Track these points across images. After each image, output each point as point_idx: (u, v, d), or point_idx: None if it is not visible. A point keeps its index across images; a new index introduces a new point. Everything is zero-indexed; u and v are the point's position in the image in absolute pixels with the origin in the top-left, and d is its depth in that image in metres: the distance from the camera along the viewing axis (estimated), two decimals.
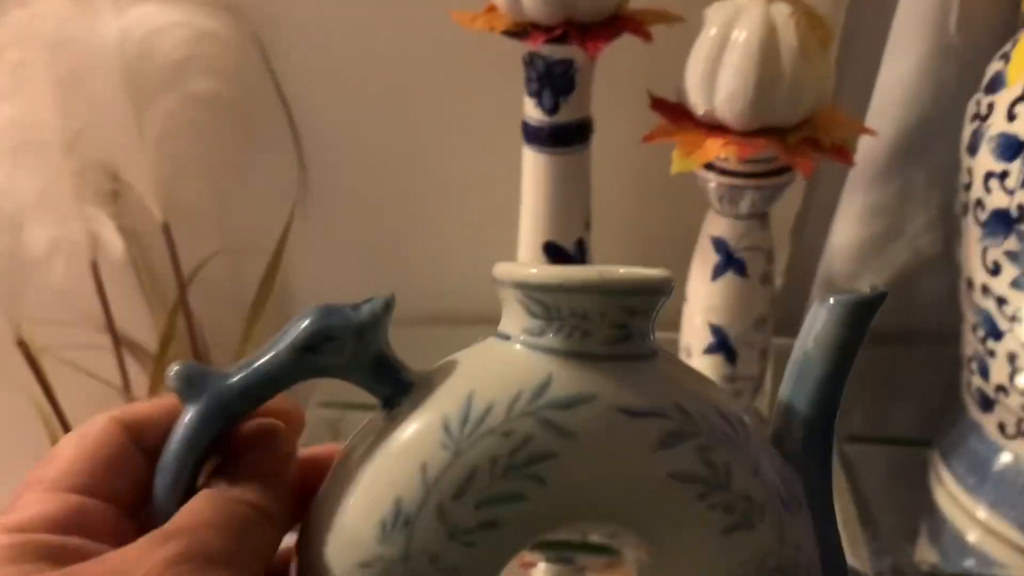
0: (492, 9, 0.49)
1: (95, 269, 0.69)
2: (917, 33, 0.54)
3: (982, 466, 0.51)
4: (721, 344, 0.52)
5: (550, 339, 0.23)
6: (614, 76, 0.53)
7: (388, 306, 0.23)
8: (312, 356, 0.22)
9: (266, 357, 0.23)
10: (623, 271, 0.23)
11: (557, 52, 0.48)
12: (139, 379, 0.75)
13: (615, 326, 0.23)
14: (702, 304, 0.52)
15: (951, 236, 0.60)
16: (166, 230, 0.68)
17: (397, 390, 0.23)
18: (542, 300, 0.22)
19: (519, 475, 0.21)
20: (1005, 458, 0.49)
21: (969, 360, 0.50)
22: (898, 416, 0.62)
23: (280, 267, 0.71)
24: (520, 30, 0.47)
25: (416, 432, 0.22)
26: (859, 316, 0.23)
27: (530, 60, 0.50)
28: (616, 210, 0.61)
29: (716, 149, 0.45)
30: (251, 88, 0.65)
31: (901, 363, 0.65)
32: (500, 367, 0.23)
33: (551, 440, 0.22)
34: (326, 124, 0.67)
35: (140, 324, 0.75)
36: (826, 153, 0.46)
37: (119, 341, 0.73)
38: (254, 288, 0.72)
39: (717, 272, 0.51)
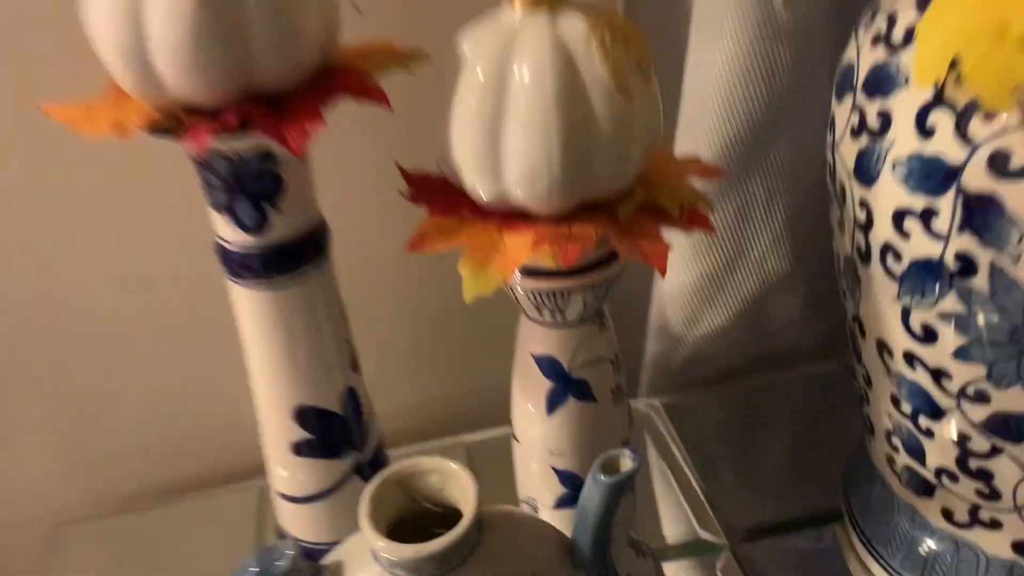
0: (116, 91, 0.30)
1: None
2: (730, 12, 0.40)
3: (927, 561, 0.39)
4: (576, 494, 0.37)
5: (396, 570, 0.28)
6: (355, 144, 0.35)
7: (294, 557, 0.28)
8: None
9: None
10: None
11: (245, 144, 0.30)
12: None
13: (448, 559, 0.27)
14: (539, 448, 0.36)
15: (800, 249, 0.49)
16: None
17: None
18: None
19: None
20: (963, 551, 0.38)
21: (888, 434, 0.38)
22: (792, 479, 0.50)
23: None
24: (171, 124, 0.28)
25: None
26: (616, 489, 0.30)
27: (206, 164, 0.31)
28: (372, 317, 0.44)
29: (523, 253, 0.29)
30: None
31: (762, 401, 0.53)
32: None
33: None
34: None
35: None
36: (678, 223, 0.31)
37: None
38: None
39: (553, 402, 0.35)
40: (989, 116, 0.27)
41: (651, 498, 0.50)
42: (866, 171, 0.32)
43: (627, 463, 0.30)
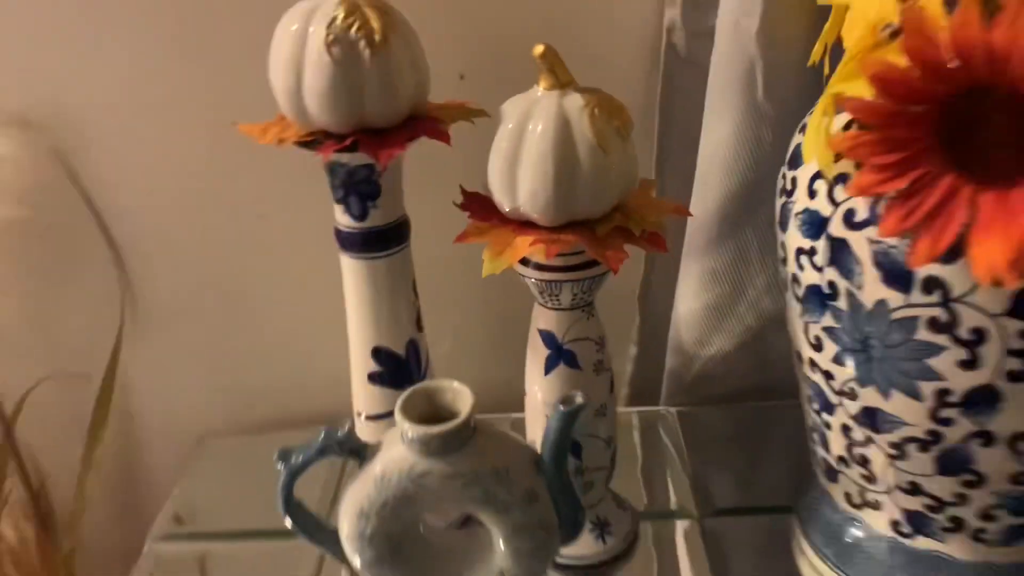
0: (282, 119, 0.47)
1: None
2: (730, 100, 0.53)
3: (836, 536, 0.50)
4: (575, 452, 0.50)
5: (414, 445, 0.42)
6: (434, 168, 0.51)
7: (350, 430, 0.44)
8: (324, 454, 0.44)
9: (304, 455, 0.44)
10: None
11: (354, 159, 0.46)
12: None
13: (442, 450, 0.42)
14: (539, 399, 0.50)
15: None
16: None
17: (361, 459, 0.44)
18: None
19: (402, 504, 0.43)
20: (855, 529, 0.48)
21: (810, 430, 0.49)
22: (764, 483, 0.61)
23: (115, 387, 0.67)
24: (312, 140, 0.45)
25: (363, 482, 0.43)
26: (568, 418, 0.43)
27: (331, 168, 0.47)
28: (453, 305, 0.59)
29: (524, 248, 0.44)
30: (57, 206, 0.61)
31: (760, 422, 0.64)
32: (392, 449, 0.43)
33: (413, 491, 0.42)
34: (147, 236, 0.63)
35: None
36: (638, 242, 0.45)
37: None
38: (89, 412, 0.67)
39: (549, 366, 0.49)
40: (846, 184, 0.39)
41: (649, 477, 0.62)
42: (783, 221, 0.44)
43: (578, 400, 0.43)
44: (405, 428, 0.42)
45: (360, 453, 0.45)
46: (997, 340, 0.37)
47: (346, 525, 0.44)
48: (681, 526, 0.57)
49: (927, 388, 0.40)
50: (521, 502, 0.44)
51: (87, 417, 0.67)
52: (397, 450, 0.44)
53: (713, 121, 0.55)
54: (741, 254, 0.58)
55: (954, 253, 0.35)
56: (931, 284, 0.37)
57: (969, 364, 0.38)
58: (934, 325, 0.38)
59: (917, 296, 0.38)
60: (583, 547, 0.53)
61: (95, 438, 0.67)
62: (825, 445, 0.48)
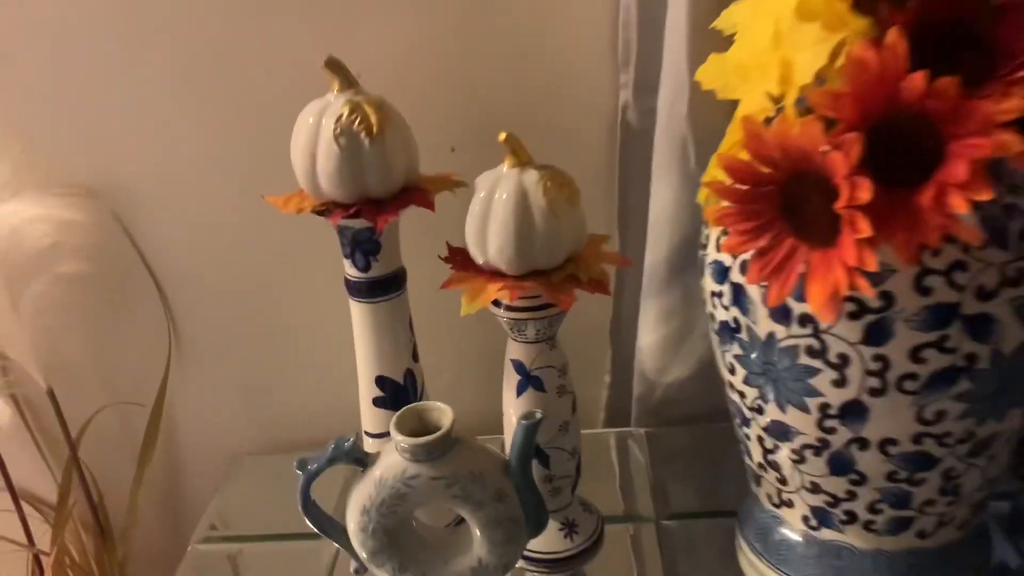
0: (301, 192, 0.58)
1: None
2: (669, 168, 0.64)
3: (765, 533, 0.59)
4: (535, 451, 0.60)
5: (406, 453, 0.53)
6: (429, 227, 0.61)
7: (355, 441, 0.54)
8: (334, 462, 0.54)
9: (318, 463, 0.54)
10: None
11: (358, 223, 0.57)
12: (42, 533, 0.80)
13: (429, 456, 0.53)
14: (512, 418, 0.60)
15: None
16: (51, 394, 0.74)
17: (364, 466, 0.55)
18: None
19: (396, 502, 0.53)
20: (777, 525, 0.58)
21: (739, 443, 0.59)
22: (715, 492, 0.70)
23: (163, 414, 0.78)
24: (324, 209, 0.56)
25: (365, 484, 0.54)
26: (529, 430, 0.53)
27: (340, 230, 0.58)
28: (443, 336, 0.69)
29: (493, 293, 0.54)
30: (116, 260, 0.73)
31: (715, 439, 0.73)
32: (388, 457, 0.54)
33: (405, 491, 0.53)
34: (190, 285, 0.75)
35: (40, 480, 0.81)
36: (585, 287, 0.55)
37: (19, 500, 0.78)
38: (141, 435, 0.78)
39: (520, 389, 0.59)
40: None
41: (620, 488, 0.72)
42: (702, 269, 0.55)
43: (538, 415, 0.53)
44: (398, 439, 0.53)
45: (363, 461, 0.55)
46: (858, 363, 0.47)
47: (352, 520, 0.55)
48: (642, 528, 0.67)
49: (812, 403, 0.50)
50: (493, 500, 0.54)
51: (139, 440, 0.78)
52: (392, 458, 0.54)
53: (658, 185, 0.66)
54: (688, 295, 0.68)
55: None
56: (805, 319, 0.47)
57: (839, 383, 0.48)
58: (810, 351, 0.48)
59: (796, 328, 0.48)
60: (553, 544, 0.63)
61: (145, 458, 0.78)
62: (749, 454, 0.57)
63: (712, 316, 0.54)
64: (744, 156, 0.40)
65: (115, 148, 0.71)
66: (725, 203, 0.42)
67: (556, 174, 0.55)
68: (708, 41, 0.52)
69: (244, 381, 0.79)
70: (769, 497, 0.58)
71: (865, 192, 0.36)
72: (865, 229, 0.36)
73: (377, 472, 0.54)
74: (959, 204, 0.36)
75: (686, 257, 0.66)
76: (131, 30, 0.68)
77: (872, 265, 0.37)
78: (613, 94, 0.68)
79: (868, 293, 0.39)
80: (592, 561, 0.63)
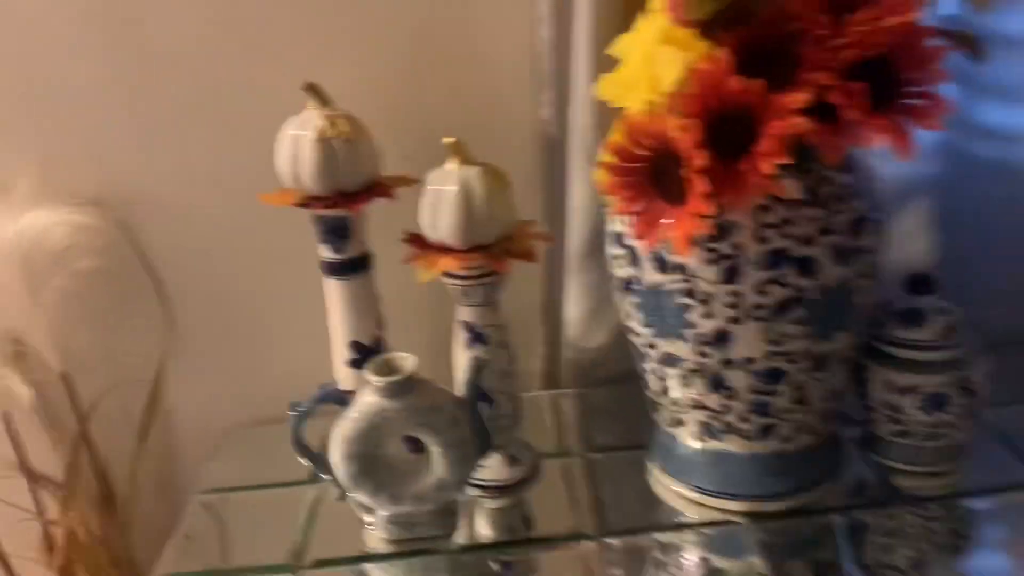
0: (285, 190, 0.72)
1: (7, 419, 0.87)
2: (581, 166, 0.79)
3: (667, 451, 0.74)
4: (482, 395, 0.74)
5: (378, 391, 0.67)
6: (396, 217, 0.75)
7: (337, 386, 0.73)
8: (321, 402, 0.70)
9: (308, 403, 0.70)
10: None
11: (333, 213, 0.71)
12: (50, 505, 0.91)
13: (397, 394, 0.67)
14: (463, 367, 0.74)
15: None
16: (65, 377, 0.86)
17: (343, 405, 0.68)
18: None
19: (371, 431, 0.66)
20: (674, 443, 0.73)
21: (641, 377, 0.73)
22: (632, 432, 0.84)
23: (160, 393, 0.90)
24: (305, 202, 0.70)
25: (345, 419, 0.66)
26: (475, 368, 0.69)
27: (318, 220, 0.73)
28: (407, 309, 0.83)
29: (444, 264, 0.69)
30: (121, 259, 0.86)
31: (632, 395, 0.88)
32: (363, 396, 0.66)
33: (379, 422, 0.67)
34: (184, 279, 0.88)
35: (47, 458, 0.92)
36: (518, 257, 0.70)
37: (32, 476, 0.90)
38: (141, 414, 0.90)
39: (468, 344, 0.74)
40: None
41: (555, 434, 0.86)
42: (607, 239, 0.70)
43: (481, 357, 0.68)
44: (373, 380, 0.67)
45: (344, 401, 0.69)
46: (719, 298, 0.62)
47: (335, 450, 0.68)
48: (572, 461, 0.81)
49: (689, 333, 0.65)
50: (448, 426, 0.68)
51: (138, 418, 0.90)
52: (367, 397, 0.68)
53: (573, 182, 0.81)
54: (602, 272, 0.83)
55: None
56: (678, 267, 0.63)
57: (707, 315, 0.63)
58: (684, 293, 0.63)
59: (673, 276, 0.63)
60: (499, 473, 0.77)
61: (145, 433, 0.90)
62: (648, 386, 0.72)
63: (614, 275, 0.70)
64: (624, 142, 0.56)
65: (121, 164, 0.84)
66: (613, 177, 0.57)
67: (492, 169, 0.70)
68: (604, 65, 0.67)
69: (232, 362, 0.91)
70: (666, 420, 0.73)
71: (702, 160, 0.52)
72: (703, 187, 0.52)
73: (354, 409, 0.68)
74: (767, 167, 0.52)
75: (598, 240, 0.82)
76: (136, 63, 0.82)
77: (709, 211, 0.52)
78: (535, 110, 0.84)
79: (704, 229, 0.54)
80: (532, 488, 0.77)
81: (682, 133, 0.53)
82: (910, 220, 0.83)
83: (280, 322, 0.90)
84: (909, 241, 0.83)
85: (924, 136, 0.82)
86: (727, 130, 0.54)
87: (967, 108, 0.83)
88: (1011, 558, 0.69)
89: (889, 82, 0.53)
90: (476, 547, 0.72)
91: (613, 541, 0.70)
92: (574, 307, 0.87)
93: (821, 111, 0.54)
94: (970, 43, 0.57)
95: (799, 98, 0.52)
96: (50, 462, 0.92)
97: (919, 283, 0.70)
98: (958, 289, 0.86)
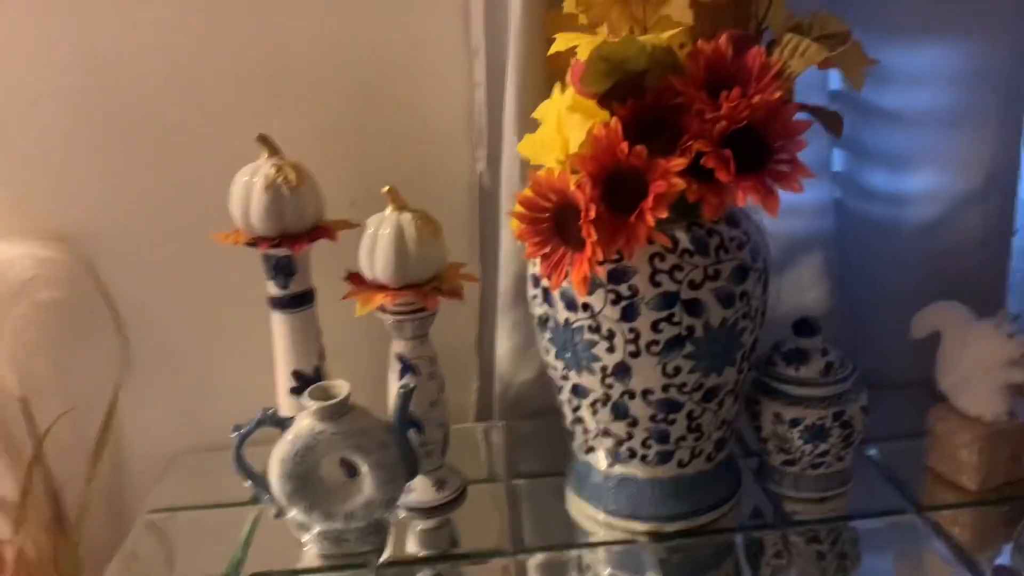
0: (237, 231, 0.79)
1: None
2: (510, 214, 0.87)
3: (581, 477, 0.81)
4: (412, 422, 0.81)
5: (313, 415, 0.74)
6: (342, 257, 0.82)
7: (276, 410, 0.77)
8: (261, 424, 0.75)
9: (248, 426, 0.75)
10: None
11: (279, 252, 0.78)
12: (2, 524, 0.96)
13: (331, 417, 0.73)
14: (394, 395, 0.81)
15: None
16: (23, 402, 0.91)
17: (283, 428, 0.74)
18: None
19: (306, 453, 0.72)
20: (588, 469, 0.80)
21: (560, 408, 0.81)
22: (555, 460, 0.91)
23: (113, 420, 0.96)
24: (253, 241, 0.77)
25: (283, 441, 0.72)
26: (404, 396, 0.75)
27: (266, 258, 0.80)
28: (349, 342, 0.89)
29: (378, 300, 0.76)
30: (81, 291, 0.92)
31: (557, 427, 0.95)
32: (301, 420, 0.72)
33: (313, 443, 0.73)
34: (139, 311, 0.94)
35: (2, 479, 0.96)
36: (446, 295, 0.77)
37: None
38: (94, 439, 0.95)
39: (401, 374, 0.80)
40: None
41: (485, 463, 0.92)
42: (528, 280, 0.78)
43: (410, 385, 0.75)
44: (308, 404, 0.73)
45: (282, 424, 0.75)
46: (620, 335, 0.70)
47: (273, 469, 0.74)
48: (497, 487, 0.88)
49: (596, 366, 0.72)
50: (378, 449, 0.74)
51: (91, 443, 0.95)
52: (304, 420, 0.74)
53: (504, 228, 0.89)
54: (528, 311, 0.91)
55: (590, 285, 0.68)
56: (585, 306, 0.70)
57: (610, 350, 0.71)
58: (590, 329, 0.71)
59: (580, 314, 0.71)
60: (426, 496, 0.83)
61: (98, 457, 0.95)
62: (564, 415, 0.80)
63: (533, 313, 0.77)
64: (532, 195, 0.64)
65: (84, 201, 0.91)
66: (523, 225, 0.65)
67: (424, 215, 0.78)
68: (529, 127, 0.76)
69: (183, 390, 0.97)
70: (580, 447, 0.80)
71: (594, 213, 0.60)
72: (594, 235, 0.60)
73: (291, 432, 0.74)
74: (650, 220, 0.60)
75: (524, 282, 0.89)
76: (103, 110, 0.89)
77: (601, 257, 0.60)
78: (472, 165, 0.92)
79: (598, 272, 0.62)
80: (457, 510, 0.84)
81: (578, 189, 0.61)
82: (805, 272, 0.92)
83: (228, 353, 0.96)
84: (804, 290, 0.92)
85: (818, 196, 0.93)
86: (621, 187, 0.62)
87: (857, 172, 0.93)
88: (894, 573, 0.76)
89: (760, 150, 0.62)
90: (401, 562, 0.78)
91: (526, 558, 0.77)
92: (503, 343, 0.94)
93: (703, 173, 0.62)
94: (830, 119, 0.66)
95: (678, 162, 0.60)
96: (5, 484, 0.96)
97: (804, 327, 0.79)
98: (849, 335, 0.96)
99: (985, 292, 0.88)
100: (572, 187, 0.62)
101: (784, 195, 0.89)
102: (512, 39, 0.82)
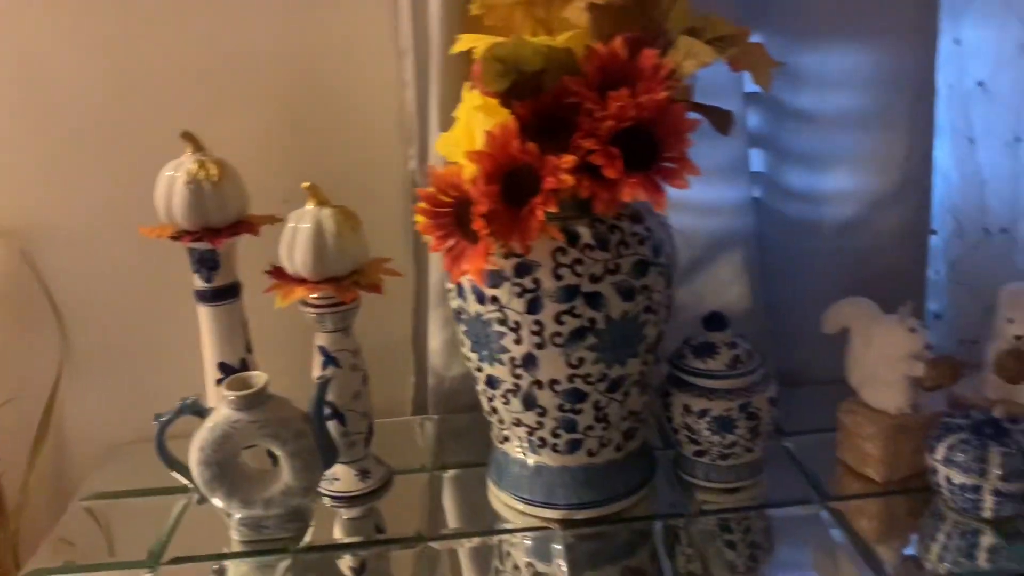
0: (163, 225, 0.81)
1: None
2: None
3: (499, 466, 0.83)
4: (334, 412, 0.83)
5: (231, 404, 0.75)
6: (271, 252, 0.84)
7: (196, 399, 0.78)
8: (181, 413, 0.77)
9: (170, 414, 0.77)
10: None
11: (201, 246, 0.80)
12: None
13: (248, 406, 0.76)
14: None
15: None
16: None
17: (203, 417, 0.77)
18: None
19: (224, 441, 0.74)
20: (504, 458, 0.82)
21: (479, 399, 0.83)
22: (482, 451, 0.93)
23: (54, 410, 0.98)
24: (177, 235, 0.80)
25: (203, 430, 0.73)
26: (322, 386, 0.77)
27: (190, 252, 0.82)
28: (277, 334, 0.92)
29: (298, 293, 0.78)
30: (21, 284, 0.94)
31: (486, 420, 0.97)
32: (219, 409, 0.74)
33: (231, 431, 0.75)
34: (78, 304, 0.96)
35: None
36: (366, 289, 0.79)
37: None
38: (35, 429, 0.98)
39: (323, 366, 0.82)
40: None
41: (416, 452, 0.95)
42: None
43: (327, 375, 0.77)
44: (226, 394, 0.75)
45: (202, 413, 0.77)
46: (526, 327, 0.72)
47: (192, 457, 0.76)
48: (424, 476, 0.90)
49: (505, 357, 0.74)
50: (294, 437, 0.76)
51: (32, 431, 0.97)
52: (223, 410, 0.76)
53: None
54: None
55: (496, 279, 0.71)
56: (493, 299, 0.73)
57: (518, 341, 0.73)
58: (499, 321, 0.73)
59: (489, 307, 0.73)
60: (350, 485, 0.85)
61: (38, 446, 0.97)
62: (482, 405, 0.82)
63: (451, 307, 0.79)
64: (433, 191, 0.66)
65: (22, 197, 0.93)
66: (426, 220, 0.67)
67: (344, 210, 0.80)
68: (452, 126, 0.78)
69: (121, 381, 0.99)
70: (497, 438, 0.82)
71: (483, 207, 0.62)
72: (484, 229, 0.62)
73: (210, 420, 0.76)
74: (540, 215, 0.62)
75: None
76: (39, 107, 0.91)
77: (491, 250, 0.62)
78: (404, 163, 0.94)
79: (495, 265, 0.64)
80: (382, 499, 0.86)
81: (472, 185, 0.63)
82: (726, 270, 0.94)
83: (166, 345, 0.98)
84: (725, 288, 0.94)
85: (737, 195, 0.95)
86: (518, 184, 0.65)
87: (776, 172, 0.96)
88: (799, 562, 0.78)
89: (649, 148, 0.64)
90: (319, 548, 0.80)
91: (440, 545, 0.79)
92: (436, 338, 0.96)
93: (596, 170, 0.64)
94: (719, 117, 0.68)
95: (568, 159, 0.63)
96: None
97: (714, 321, 0.81)
98: (771, 333, 0.98)
99: (904, 290, 0.89)
100: (467, 182, 0.64)
101: (703, 194, 0.93)
102: (433, 41, 0.84)
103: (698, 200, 0.91)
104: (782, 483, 0.84)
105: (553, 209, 0.62)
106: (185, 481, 0.79)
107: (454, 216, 0.67)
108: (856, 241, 0.94)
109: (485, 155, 0.64)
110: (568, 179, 0.63)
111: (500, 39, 0.65)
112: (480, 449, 0.91)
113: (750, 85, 0.90)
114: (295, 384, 0.82)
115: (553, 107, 0.66)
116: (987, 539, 0.75)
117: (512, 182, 0.65)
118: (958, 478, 0.74)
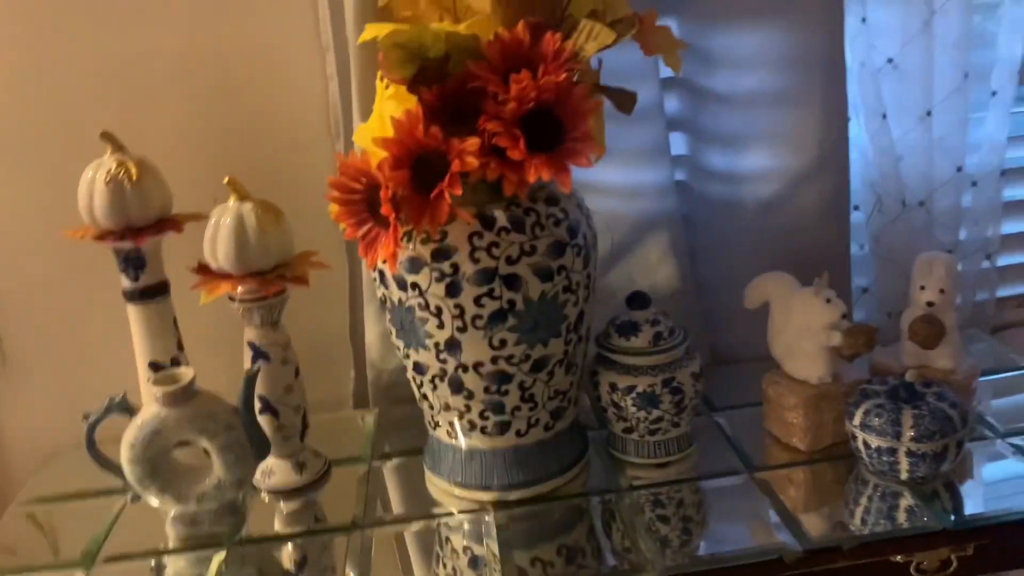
0: (87, 225, 0.81)
1: None
2: None
3: (432, 451, 0.84)
4: (267, 407, 0.83)
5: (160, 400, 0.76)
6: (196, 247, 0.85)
7: (123, 397, 0.78)
8: (109, 412, 0.78)
9: (98, 414, 0.78)
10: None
11: (125, 245, 0.81)
12: None
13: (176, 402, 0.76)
14: None
15: None
16: None
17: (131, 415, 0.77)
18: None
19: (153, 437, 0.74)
20: (436, 443, 0.83)
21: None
22: (420, 439, 0.94)
23: None
24: (101, 236, 0.80)
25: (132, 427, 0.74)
26: (250, 379, 0.77)
27: (116, 252, 0.82)
28: (209, 331, 0.92)
29: (222, 288, 0.79)
30: None
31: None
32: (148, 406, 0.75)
33: (160, 427, 0.76)
34: (13, 311, 0.96)
35: None
36: (292, 282, 0.80)
37: None
38: None
39: (253, 361, 0.83)
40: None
41: (356, 444, 0.95)
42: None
43: (255, 369, 0.78)
44: (154, 390, 0.76)
45: (131, 411, 0.78)
46: (447, 311, 0.73)
47: (123, 455, 0.77)
48: (362, 466, 0.91)
49: (430, 343, 0.75)
50: (224, 431, 0.77)
51: None
52: (151, 407, 0.77)
53: None
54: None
55: (415, 264, 0.72)
56: (414, 285, 0.74)
57: (440, 326, 0.74)
58: (420, 307, 0.74)
59: (410, 293, 0.74)
60: (286, 478, 0.86)
61: None
62: (413, 392, 0.83)
63: (377, 295, 0.80)
64: (342, 179, 0.67)
65: None
66: (339, 208, 0.68)
67: (265, 203, 0.80)
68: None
69: (57, 385, 0.99)
70: (429, 424, 0.83)
71: (389, 191, 0.63)
72: (391, 214, 0.63)
73: (140, 418, 0.76)
74: (447, 197, 0.63)
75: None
76: None
77: (399, 234, 0.63)
78: (332, 157, 0.95)
79: (407, 250, 0.66)
80: (320, 491, 0.87)
81: (379, 170, 0.64)
82: (653, 251, 0.95)
83: (96, 347, 0.98)
84: (654, 269, 0.96)
85: (659, 178, 0.97)
86: (428, 168, 0.66)
87: (697, 154, 0.98)
88: (728, 533, 0.80)
89: (554, 129, 0.66)
90: (254, 540, 0.80)
91: (376, 531, 0.80)
92: (371, 331, 0.97)
93: (503, 152, 0.66)
94: (620, 98, 0.70)
95: (472, 141, 0.64)
96: None
97: (635, 300, 0.83)
98: (701, 312, 1.00)
99: (828, 266, 0.92)
100: (375, 168, 0.65)
101: (627, 178, 0.94)
102: (350, 34, 0.85)
103: (622, 183, 0.93)
104: (712, 457, 0.86)
105: (458, 192, 0.64)
106: (118, 480, 0.79)
107: (366, 203, 0.68)
108: (780, 218, 0.96)
109: (392, 141, 0.65)
110: (473, 161, 0.64)
111: (401, 26, 0.66)
112: (420, 438, 0.92)
113: (666, 70, 0.92)
114: (230, 381, 0.82)
115: (460, 92, 0.67)
116: (905, 500, 0.77)
117: (423, 168, 0.66)
118: (874, 442, 0.76)
